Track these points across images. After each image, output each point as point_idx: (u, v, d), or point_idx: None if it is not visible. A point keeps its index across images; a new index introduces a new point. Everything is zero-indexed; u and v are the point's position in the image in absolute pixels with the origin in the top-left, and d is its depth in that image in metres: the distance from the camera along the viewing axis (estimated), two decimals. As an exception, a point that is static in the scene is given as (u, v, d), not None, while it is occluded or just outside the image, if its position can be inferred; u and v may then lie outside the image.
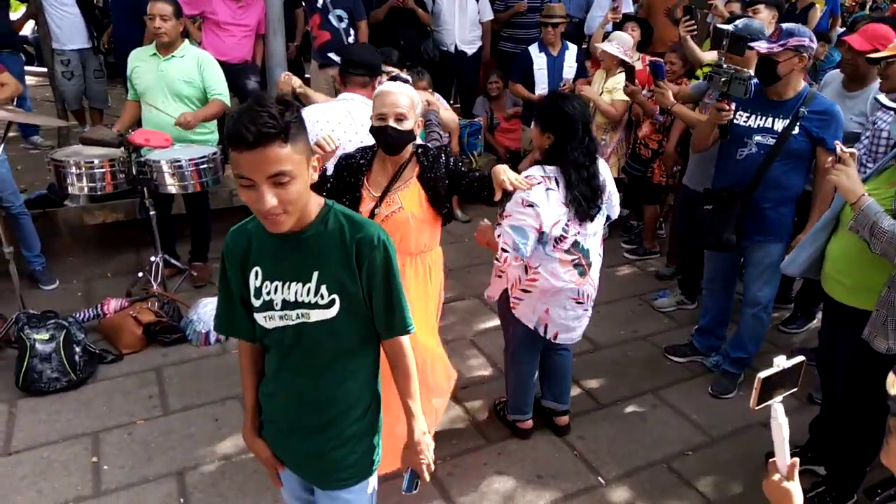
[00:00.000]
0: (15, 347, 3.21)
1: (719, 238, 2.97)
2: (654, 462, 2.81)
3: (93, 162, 3.44)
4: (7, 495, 2.53)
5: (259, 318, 1.52)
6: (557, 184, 2.46)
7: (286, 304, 1.48)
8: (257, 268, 1.51)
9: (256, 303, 1.51)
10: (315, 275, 1.46)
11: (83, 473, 2.66)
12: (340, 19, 5.25)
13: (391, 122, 2.19)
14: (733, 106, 2.85)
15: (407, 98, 2.23)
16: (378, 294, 1.49)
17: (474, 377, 3.34)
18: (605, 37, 4.80)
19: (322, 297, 1.46)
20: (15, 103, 3.87)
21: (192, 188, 3.62)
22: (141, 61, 3.77)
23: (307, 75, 6.56)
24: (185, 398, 3.12)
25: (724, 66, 2.81)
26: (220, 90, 3.79)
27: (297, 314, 1.48)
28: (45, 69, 6.14)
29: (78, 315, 3.49)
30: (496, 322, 3.80)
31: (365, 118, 2.53)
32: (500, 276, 2.65)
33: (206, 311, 3.59)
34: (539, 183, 2.43)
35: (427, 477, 1.68)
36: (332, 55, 5.31)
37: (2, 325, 3.33)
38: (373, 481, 1.67)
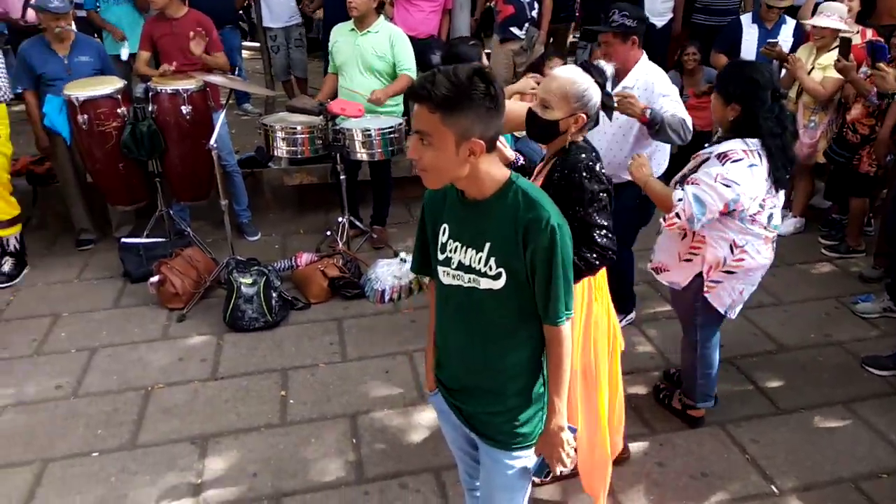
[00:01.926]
0: (224, 288, 3.69)
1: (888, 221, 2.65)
2: (840, 479, 2.54)
3: (295, 128, 3.80)
4: (214, 413, 2.94)
5: (439, 271, 1.62)
6: (760, 158, 2.30)
7: (460, 266, 1.55)
8: (445, 225, 1.59)
9: (440, 256, 1.60)
10: (487, 245, 1.50)
11: (273, 404, 3.00)
12: (526, -7, 5.23)
13: (534, 105, 2.07)
14: None
15: (560, 85, 1.99)
16: (539, 278, 1.49)
17: (639, 364, 3.23)
18: (815, 8, 4.29)
19: (490, 269, 1.50)
20: (237, 73, 4.38)
21: (378, 156, 3.87)
22: (340, 36, 4.07)
23: (487, 51, 6.66)
24: (361, 348, 3.38)
25: None
26: (409, 65, 3.97)
27: (469, 278, 1.54)
28: (256, 44, 6.87)
29: (276, 265, 3.91)
30: (664, 307, 3.65)
31: None
32: (688, 260, 2.48)
33: (382, 271, 3.84)
34: (741, 159, 2.27)
35: (557, 471, 1.65)
36: (513, 29, 5.34)
37: (215, 269, 3.84)
38: (531, 454, 1.69)
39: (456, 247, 1.56)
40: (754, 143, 2.30)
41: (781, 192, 2.45)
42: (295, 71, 6.35)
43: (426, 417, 2.89)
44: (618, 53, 2.96)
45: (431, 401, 1.83)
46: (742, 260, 2.40)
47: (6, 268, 3.98)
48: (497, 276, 1.50)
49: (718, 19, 5.44)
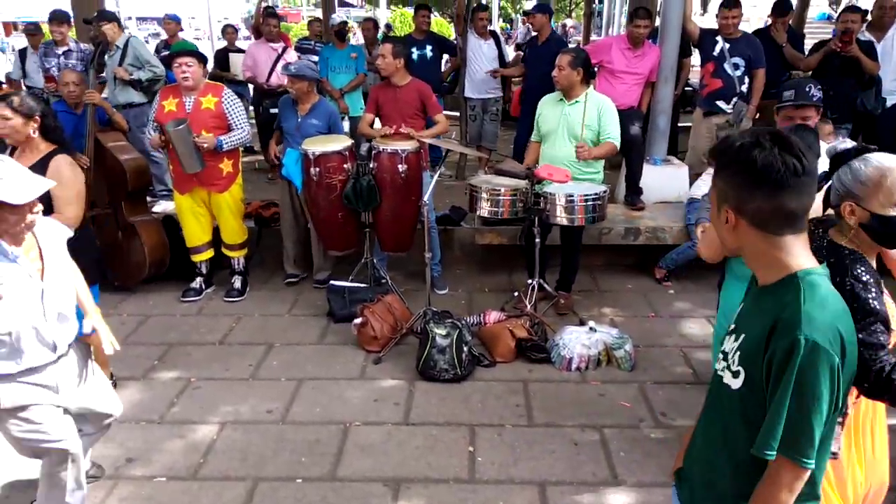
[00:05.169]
0: (417, 336, 3.83)
1: None
2: None
3: (499, 190, 3.95)
4: (405, 458, 3.01)
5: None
6: None
7: (724, 351, 1.43)
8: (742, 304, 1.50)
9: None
10: (742, 337, 1.36)
11: (461, 458, 3.01)
12: (736, 67, 5.09)
13: None
14: None
15: None
16: (770, 392, 1.28)
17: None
18: None
19: (733, 363, 1.36)
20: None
21: (577, 222, 3.88)
22: (547, 106, 4.20)
23: (683, 124, 6.52)
24: (548, 415, 3.31)
25: None
26: (614, 134, 4.00)
27: (723, 366, 1.41)
28: (450, 112, 7.34)
29: (466, 319, 4.00)
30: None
31: None
32: None
33: (570, 338, 3.77)
34: None
35: None
36: (720, 103, 5.18)
37: (410, 317, 4.01)
38: None
39: (732, 328, 1.45)
40: None
41: None
42: (483, 141, 6.66)
43: (619, 500, 2.73)
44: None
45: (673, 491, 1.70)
46: None
47: (237, 284, 4.64)
48: (736, 374, 1.35)
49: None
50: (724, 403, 1.42)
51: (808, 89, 2.97)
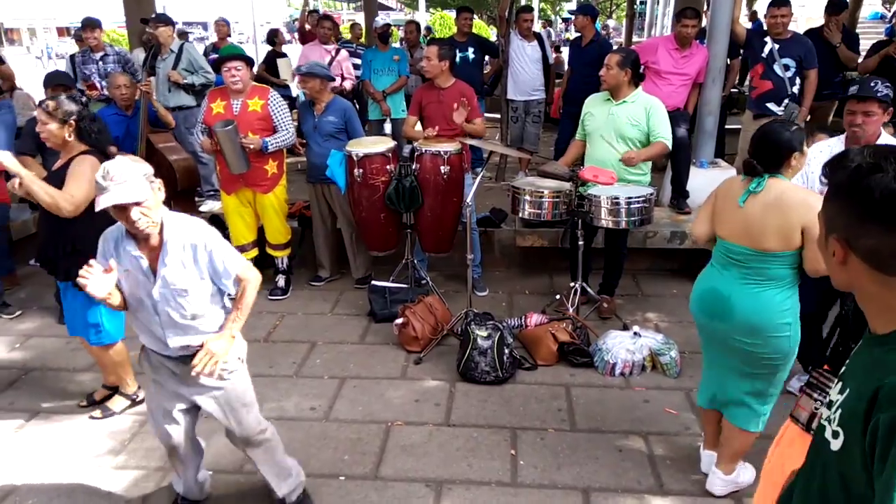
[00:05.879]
0: (457, 337, 3.83)
1: None
2: None
3: (542, 192, 3.92)
4: (447, 459, 3.01)
5: None
6: None
7: (830, 400, 1.20)
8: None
9: None
10: (847, 392, 1.13)
11: (503, 461, 2.99)
12: (787, 68, 4.95)
13: None
14: None
15: None
16: (874, 472, 1.04)
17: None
18: None
19: (832, 421, 1.14)
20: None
21: (622, 225, 3.82)
22: (594, 106, 4.15)
23: (730, 126, 6.38)
24: (591, 421, 3.27)
25: None
26: (665, 134, 3.92)
27: (826, 417, 1.18)
28: (489, 113, 7.32)
29: (507, 321, 3.98)
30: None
31: None
32: None
33: (614, 342, 3.72)
34: None
35: None
36: (770, 105, 5.05)
37: (451, 318, 4.01)
38: None
39: (840, 375, 1.22)
40: None
41: None
42: (525, 143, 6.63)
43: (665, 508, 2.68)
44: (875, 125, 2.90)
45: None
46: None
47: (280, 283, 4.74)
48: (836, 435, 1.12)
49: None
50: (823, 460, 1.20)
51: (873, 84, 2.90)
